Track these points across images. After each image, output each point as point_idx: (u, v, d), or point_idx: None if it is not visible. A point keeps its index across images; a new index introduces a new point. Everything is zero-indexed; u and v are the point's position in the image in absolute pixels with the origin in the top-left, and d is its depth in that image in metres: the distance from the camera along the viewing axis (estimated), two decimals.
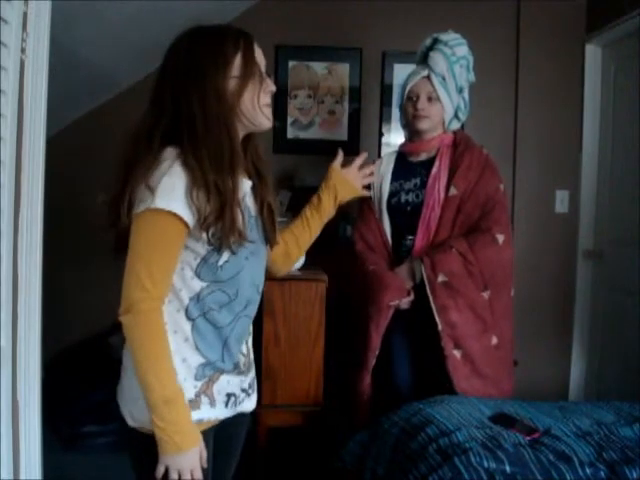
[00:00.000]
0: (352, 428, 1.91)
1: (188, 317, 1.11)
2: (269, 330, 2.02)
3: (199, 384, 1.11)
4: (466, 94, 2.04)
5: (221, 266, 1.11)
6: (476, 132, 2.44)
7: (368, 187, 2.11)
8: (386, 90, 2.90)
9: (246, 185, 1.17)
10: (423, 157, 2.06)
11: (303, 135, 2.89)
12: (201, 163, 1.05)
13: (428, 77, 1.97)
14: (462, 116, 2.06)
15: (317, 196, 1.39)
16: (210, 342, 1.12)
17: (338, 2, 2.85)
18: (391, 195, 2.05)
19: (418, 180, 2.02)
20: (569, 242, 2.93)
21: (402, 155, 2.11)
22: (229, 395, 1.17)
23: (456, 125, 2.07)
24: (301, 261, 2.09)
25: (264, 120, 1.18)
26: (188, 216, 1.04)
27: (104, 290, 2.85)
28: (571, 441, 1.48)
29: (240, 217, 1.09)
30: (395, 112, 2.84)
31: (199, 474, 1.05)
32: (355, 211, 2.22)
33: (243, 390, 1.21)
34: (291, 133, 2.89)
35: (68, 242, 2.72)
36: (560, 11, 2.86)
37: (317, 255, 2.20)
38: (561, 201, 2.93)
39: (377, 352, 1.96)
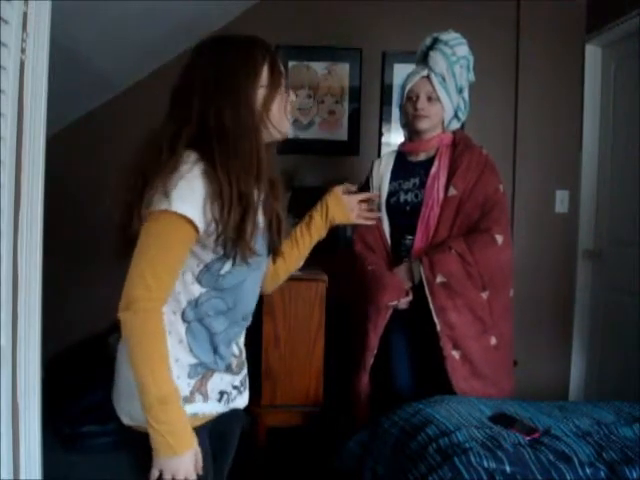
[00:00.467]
0: (352, 428, 1.91)
1: (184, 320, 1.11)
2: (269, 330, 2.02)
3: (192, 382, 1.12)
4: (466, 94, 2.04)
5: (223, 275, 1.12)
6: (476, 132, 2.44)
7: (367, 190, 2.12)
8: (386, 90, 2.90)
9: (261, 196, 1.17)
10: (422, 157, 2.05)
11: (303, 135, 2.89)
12: (229, 175, 1.06)
13: (428, 77, 1.97)
14: (462, 116, 2.06)
15: (310, 214, 1.39)
16: (203, 345, 1.13)
17: (338, 2, 2.85)
18: (390, 195, 2.05)
19: (417, 180, 2.01)
20: (569, 242, 2.93)
21: (401, 155, 2.11)
22: (222, 392, 1.18)
23: (456, 125, 2.07)
24: (300, 262, 2.09)
25: (288, 130, 1.21)
26: (200, 222, 1.05)
27: (104, 290, 2.84)
28: (571, 441, 1.48)
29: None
30: (395, 112, 2.84)
31: (193, 477, 1.04)
32: None
33: (235, 387, 1.22)
34: (291, 133, 2.89)
35: (68, 242, 2.72)
36: (560, 11, 2.86)
37: (317, 255, 2.20)
38: (561, 201, 2.93)
39: (375, 352, 1.96)
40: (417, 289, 1.92)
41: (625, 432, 1.55)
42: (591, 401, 1.97)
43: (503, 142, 2.90)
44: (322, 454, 2.01)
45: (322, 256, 2.23)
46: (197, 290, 1.11)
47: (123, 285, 1.05)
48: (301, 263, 1.41)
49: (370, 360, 1.97)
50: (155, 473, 1.02)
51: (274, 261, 1.28)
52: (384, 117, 2.91)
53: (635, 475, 1.34)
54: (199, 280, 1.11)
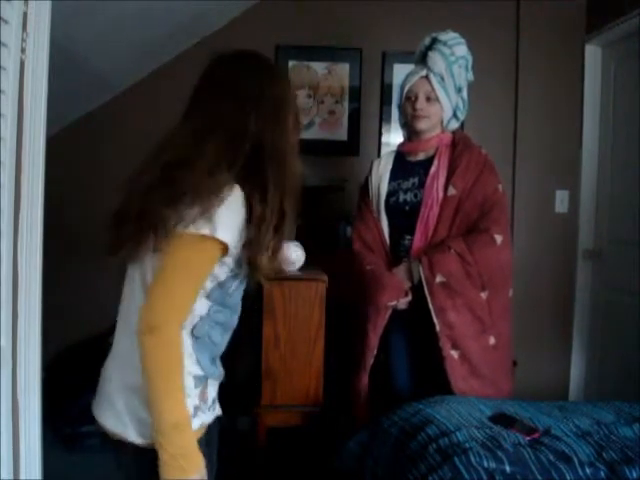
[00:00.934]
0: (352, 428, 1.91)
1: (193, 334, 1.12)
2: (269, 330, 2.02)
3: (198, 391, 1.13)
4: (465, 94, 2.04)
5: (230, 293, 1.14)
6: (476, 132, 2.44)
7: (367, 190, 2.13)
8: (386, 90, 2.90)
9: None
10: (421, 157, 2.05)
11: (303, 135, 2.86)
12: (278, 196, 1.08)
13: (426, 77, 1.97)
14: (461, 116, 2.06)
15: None
16: (206, 357, 1.15)
17: (338, 2, 2.85)
18: (389, 195, 2.05)
19: (416, 180, 2.01)
20: (569, 242, 2.93)
21: (401, 155, 2.11)
22: (213, 400, 1.20)
23: (455, 125, 2.07)
24: (301, 261, 2.09)
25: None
26: (234, 246, 1.06)
27: (104, 290, 2.85)
28: (571, 441, 1.48)
29: None
30: (395, 112, 2.84)
31: None
32: (355, 211, 2.23)
33: (217, 394, 1.24)
34: None
35: (68, 242, 2.72)
36: (560, 11, 2.86)
37: (317, 255, 2.21)
38: (561, 201, 2.93)
39: (375, 352, 1.96)
40: (416, 289, 1.92)
41: (625, 432, 1.55)
42: (591, 401, 1.97)
43: (503, 142, 2.90)
44: (322, 454, 2.01)
45: (322, 256, 2.24)
46: (206, 305, 1.12)
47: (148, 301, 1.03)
48: None
49: (370, 360, 1.97)
50: None
51: None
52: (384, 117, 2.92)
53: (635, 475, 1.34)
54: (208, 296, 1.12)
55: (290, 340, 2.03)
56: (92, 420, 1.26)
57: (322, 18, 2.86)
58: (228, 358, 1.30)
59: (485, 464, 1.36)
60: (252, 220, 1.07)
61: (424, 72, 1.97)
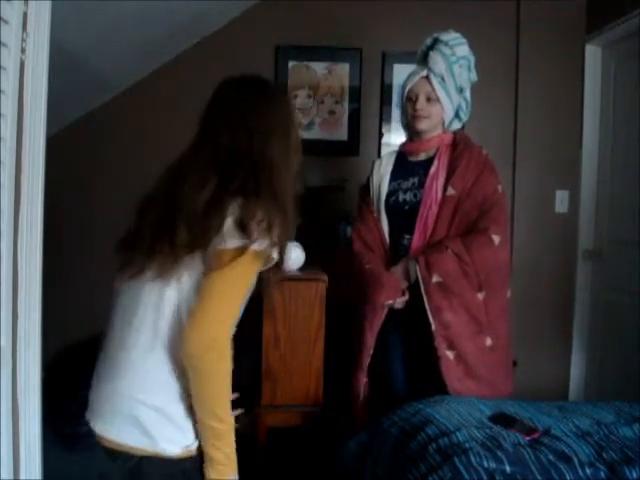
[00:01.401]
0: (352, 428, 1.91)
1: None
2: (269, 330, 2.02)
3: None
4: (467, 94, 2.03)
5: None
6: (476, 132, 2.44)
7: (367, 190, 2.13)
8: (386, 90, 2.90)
9: None
10: (422, 157, 2.06)
11: (303, 135, 2.88)
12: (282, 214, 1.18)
13: (427, 77, 1.97)
14: (464, 116, 2.06)
15: None
16: None
17: (338, 2, 2.85)
18: (389, 194, 2.05)
19: (416, 179, 2.01)
20: (569, 242, 2.93)
21: (402, 155, 2.11)
22: None
23: (457, 125, 2.07)
24: (301, 261, 2.09)
25: None
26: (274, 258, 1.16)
27: (104, 290, 2.85)
28: (571, 441, 1.48)
29: None
30: (395, 112, 2.84)
31: None
32: (355, 211, 2.23)
33: None
34: None
35: (68, 242, 2.72)
36: (560, 11, 2.86)
37: (317, 255, 2.21)
38: (561, 201, 2.93)
39: (371, 351, 1.96)
40: (413, 288, 1.92)
41: (625, 432, 1.55)
42: (591, 401, 1.97)
43: (503, 142, 2.90)
44: (322, 454, 2.01)
45: (322, 256, 2.24)
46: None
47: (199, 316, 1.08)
48: None
49: (367, 359, 1.97)
50: None
51: None
52: (384, 117, 2.91)
53: (635, 475, 1.34)
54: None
55: (290, 340, 2.03)
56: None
57: (322, 18, 2.86)
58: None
59: (485, 464, 1.36)
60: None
61: (425, 72, 1.97)
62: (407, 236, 1.99)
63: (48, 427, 1.16)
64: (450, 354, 1.87)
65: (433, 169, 1.99)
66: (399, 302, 1.93)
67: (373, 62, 2.90)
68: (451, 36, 1.97)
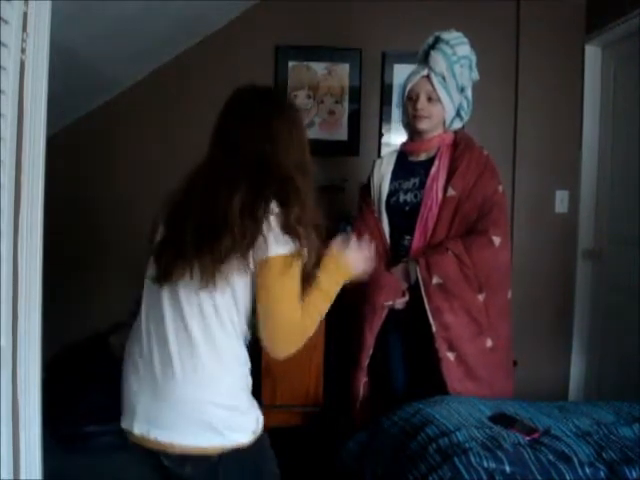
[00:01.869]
0: (352, 428, 1.91)
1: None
2: None
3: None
4: (469, 93, 2.03)
5: None
6: (476, 132, 2.44)
7: (368, 190, 2.12)
8: (386, 90, 2.90)
9: None
10: (423, 157, 2.05)
11: None
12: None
13: (428, 77, 1.96)
14: (465, 115, 2.06)
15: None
16: None
17: (338, 2, 2.85)
18: (390, 195, 2.05)
19: (417, 180, 2.01)
20: (569, 242, 2.93)
21: (403, 154, 2.11)
22: None
23: (458, 124, 2.06)
24: None
25: None
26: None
27: (104, 290, 2.86)
28: (571, 441, 1.48)
29: None
30: (395, 112, 2.84)
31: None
32: (355, 211, 2.23)
33: None
34: None
35: (68, 242, 2.72)
36: (560, 11, 2.86)
37: None
38: (561, 201, 2.93)
39: (371, 352, 1.96)
40: (413, 290, 1.91)
41: (625, 432, 1.55)
42: (591, 401, 1.97)
43: (503, 142, 2.90)
44: (322, 454, 2.01)
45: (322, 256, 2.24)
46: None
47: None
48: None
49: (366, 360, 1.96)
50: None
51: None
52: (384, 117, 2.91)
53: (635, 475, 1.34)
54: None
55: None
56: (93, 420, 1.28)
57: (322, 18, 2.86)
58: None
59: (485, 464, 1.36)
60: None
61: (425, 72, 1.96)
62: (407, 237, 1.99)
63: (49, 428, 1.15)
64: (451, 355, 1.87)
65: (434, 170, 1.99)
66: (399, 303, 1.93)
67: (373, 62, 2.90)
68: (452, 35, 1.96)
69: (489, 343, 1.91)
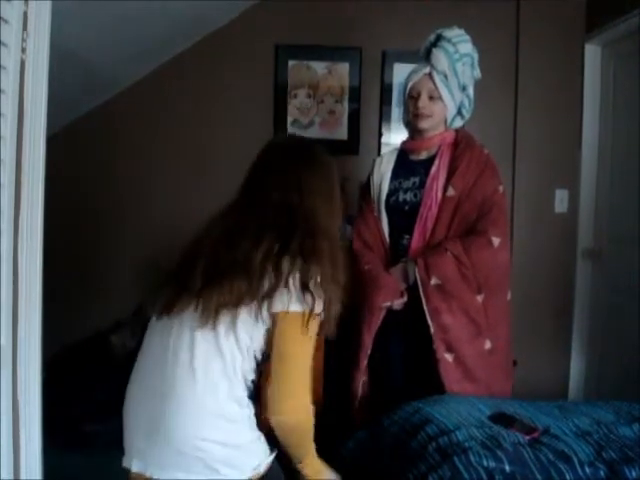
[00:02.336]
0: (352, 428, 1.91)
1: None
2: None
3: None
4: (470, 91, 2.02)
5: None
6: (476, 132, 2.43)
7: (368, 189, 2.12)
8: (386, 90, 2.90)
9: None
10: (424, 156, 2.04)
11: (303, 135, 2.89)
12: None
13: (430, 75, 1.95)
14: (466, 114, 2.05)
15: None
16: None
17: (338, 2, 2.85)
18: (390, 194, 2.04)
19: (417, 179, 2.00)
20: (569, 241, 2.93)
21: (403, 153, 2.10)
22: None
23: (459, 122, 2.06)
24: None
25: None
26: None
27: (104, 290, 2.86)
28: (570, 440, 1.48)
29: None
30: (395, 112, 2.84)
31: None
32: (355, 210, 2.22)
33: None
34: (290, 133, 2.89)
35: (68, 242, 2.72)
36: (560, 11, 2.86)
37: None
38: (561, 200, 2.93)
39: (369, 352, 1.95)
40: (412, 290, 1.91)
41: (624, 432, 1.55)
42: (590, 401, 1.97)
43: (502, 141, 2.90)
44: (322, 453, 2.00)
45: None
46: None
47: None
48: None
49: (364, 360, 1.96)
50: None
51: None
52: (384, 117, 2.91)
53: (635, 475, 1.34)
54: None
55: None
56: (93, 420, 1.28)
57: (322, 18, 2.86)
58: None
59: (485, 463, 1.36)
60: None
61: (427, 70, 1.95)
62: (406, 236, 1.98)
63: (49, 428, 1.16)
64: (449, 357, 1.86)
65: (434, 169, 1.98)
66: (397, 304, 1.92)
67: (373, 61, 2.90)
68: (454, 33, 1.95)
69: (488, 345, 1.90)
